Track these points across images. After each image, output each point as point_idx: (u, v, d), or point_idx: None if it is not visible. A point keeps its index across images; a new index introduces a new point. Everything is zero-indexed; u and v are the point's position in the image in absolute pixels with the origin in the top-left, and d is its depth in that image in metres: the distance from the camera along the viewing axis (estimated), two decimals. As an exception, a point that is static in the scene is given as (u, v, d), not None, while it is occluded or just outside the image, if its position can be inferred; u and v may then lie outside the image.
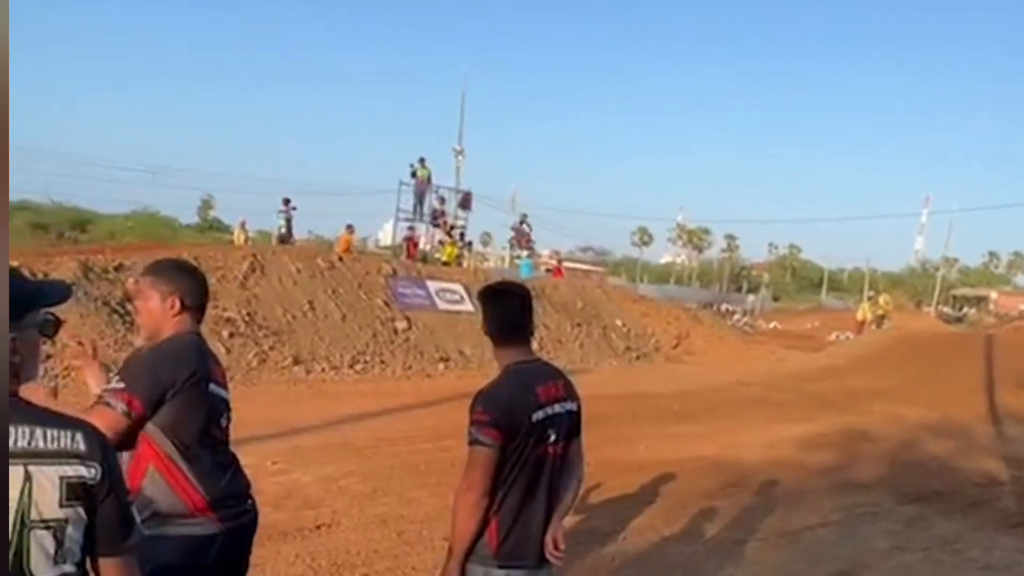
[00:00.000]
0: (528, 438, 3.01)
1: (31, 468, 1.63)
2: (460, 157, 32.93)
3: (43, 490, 1.63)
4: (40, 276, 13.01)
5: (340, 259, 18.42)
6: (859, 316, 28.15)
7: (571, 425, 3.20)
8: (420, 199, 26.62)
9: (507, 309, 3.17)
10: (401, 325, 16.95)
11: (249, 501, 3.09)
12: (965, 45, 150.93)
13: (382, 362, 15.60)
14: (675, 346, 22.41)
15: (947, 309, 49.72)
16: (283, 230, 24.71)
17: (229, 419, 3.07)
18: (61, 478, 1.65)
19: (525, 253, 28.52)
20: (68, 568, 1.68)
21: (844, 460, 10.37)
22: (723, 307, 41.18)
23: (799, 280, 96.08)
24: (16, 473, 1.61)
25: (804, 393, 15.16)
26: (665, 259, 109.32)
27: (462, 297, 19.09)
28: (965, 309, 48.46)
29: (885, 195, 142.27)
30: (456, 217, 27.98)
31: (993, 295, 76.10)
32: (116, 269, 14.36)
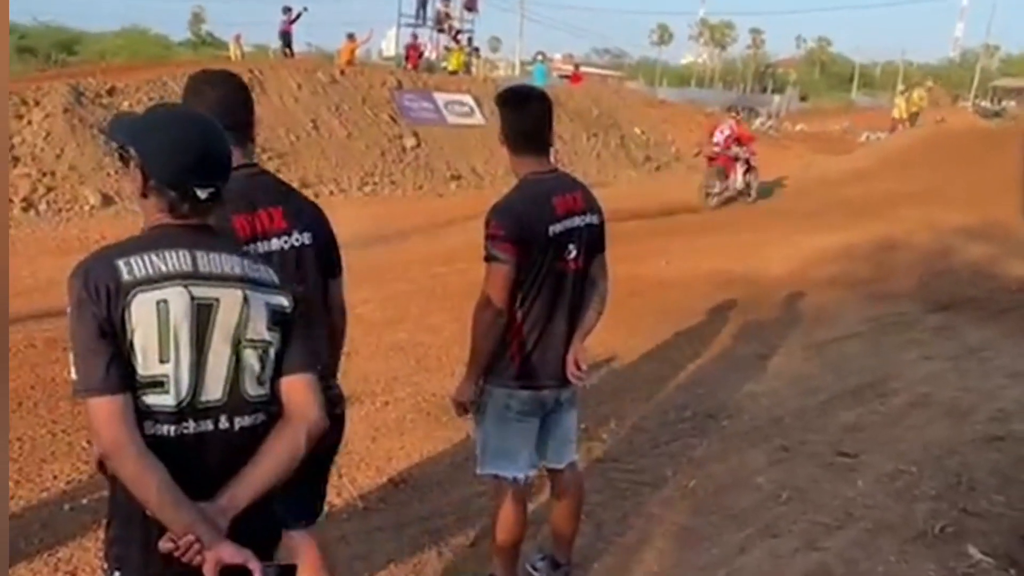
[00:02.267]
0: (545, 252, 2.92)
1: (247, 292, 1.76)
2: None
3: (257, 313, 1.77)
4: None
5: (342, 73, 17.54)
6: (895, 114, 26.68)
7: (592, 239, 3.08)
8: (424, 2, 25.21)
9: (526, 115, 3.01)
10: (409, 142, 16.33)
11: None
12: None
13: (392, 182, 15.19)
14: (696, 154, 21.63)
15: (985, 103, 47.73)
16: (284, 46, 23.24)
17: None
18: (266, 304, 1.80)
19: (539, 58, 27.26)
20: (265, 391, 1.81)
21: (873, 270, 10.03)
22: (747, 109, 39.95)
23: (828, 77, 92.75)
24: (235, 296, 1.74)
25: (832, 200, 14.59)
26: (686, 59, 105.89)
27: (472, 109, 18.27)
28: (1004, 102, 46.55)
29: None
30: (462, 20, 26.53)
31: (1037, 85, 72.81)
32: (109, 93, 13.79)
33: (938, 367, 6.82)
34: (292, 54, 22.79)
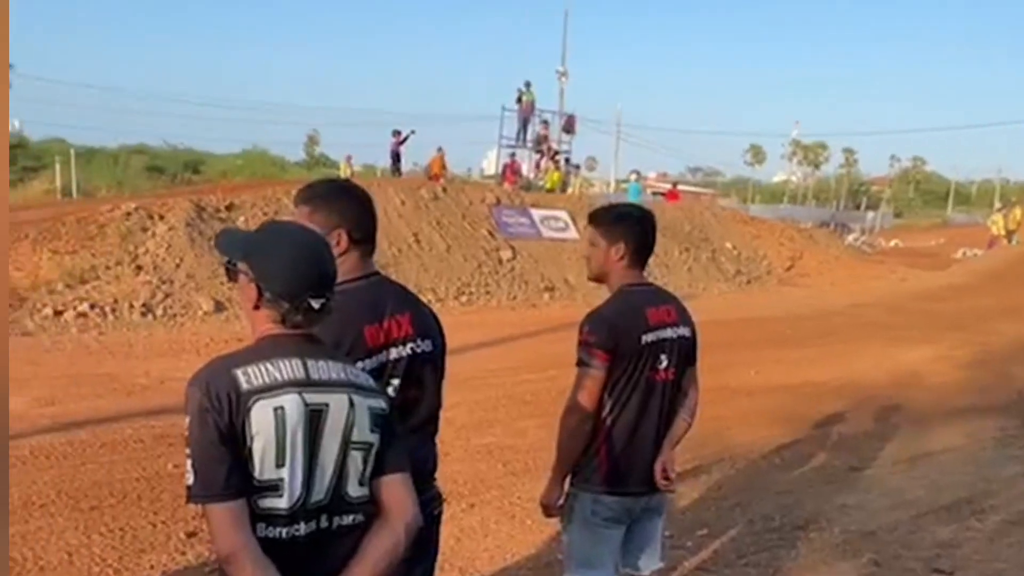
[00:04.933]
0: (637, 361, 2.96)
1: (353, 396, 1.84)
2: (564, 79, 32.31)
3: (361, 416, 1.85)
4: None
5: (444, 190, 18.42)
6: (993, 230, 26.18)
7: (684, 351, 3.13)
8: (524, 125, 26.14)
9: (642, 232, 3.12)
10: (506, 255, 16.92)
11: None
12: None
13: (487, 292, 15.64)
14: (788, 268, 21.68)
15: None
16: (393, 165, 24.48)
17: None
18: (369, 407, 1.87)
19: (633, 176, 27.88)
20: (365, 491, 1.88)
21: (969, 384, 9.85)
22: (840, 226, 39.68)
23: (923, 195, 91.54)
24: (342, 400, 1.82)
25: (927, 314, 14.45)
26: (778, 177, 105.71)
27: (567, 224, 18.87)
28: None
29: (1018, 97, 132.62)
30: (560, 142, 27.42)
31: None
32: (227, 208, 14.76)
33: (1037, 484, 6.66)
34: (400, 173, 24.07)
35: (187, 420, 1.72)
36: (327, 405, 1.79)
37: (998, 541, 5.39)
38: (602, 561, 3.11)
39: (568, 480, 3.13)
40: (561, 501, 3.15)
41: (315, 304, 1.83)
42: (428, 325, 2.51)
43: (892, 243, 33.22)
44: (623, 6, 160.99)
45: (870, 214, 50.37)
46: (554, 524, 3.44)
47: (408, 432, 2.29)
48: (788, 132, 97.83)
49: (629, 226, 3.11)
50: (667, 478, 3.09)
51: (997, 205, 27.17)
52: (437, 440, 2.63)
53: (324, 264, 1.88)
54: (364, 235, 2.43)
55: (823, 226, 35.93)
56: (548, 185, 24.87)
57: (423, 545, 2.44)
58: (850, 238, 32.10)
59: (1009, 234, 25.74)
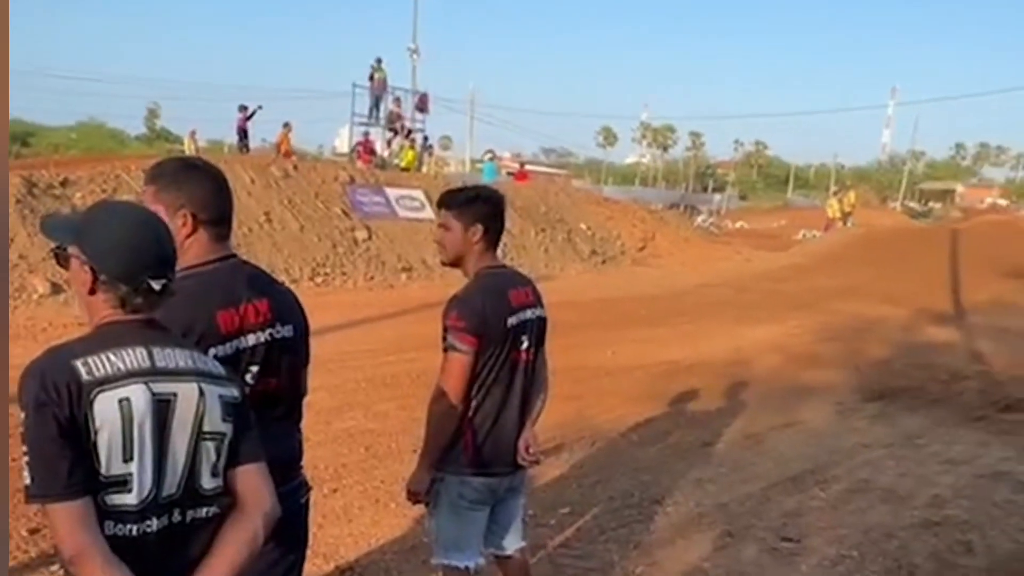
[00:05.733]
0: (502, 344, 3.02)
1: (203, 385, 1.76)
2: (415, 56, 31.91)
3: (212, 405, 1.77)
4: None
5: (295, 168, 17.82)
6: (829, 213, 27.70)
7: (540, 332, 3.22)
8: (377, 102, 25.73)
9: (492, 213, 3.12)
10: (361, 235, 16.54)
11: None
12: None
13: (343, 273, 15.28)
14: (641, 249, 22.20)
15: (913, 204, 50.09)
16: (240, 142, 23.64)
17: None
18: (220, 396, 1.79)
19: (488, 156, 27.89)
20: (219, 483, 1.80)
21: (810, 360, 10.36)
22: (689, 207, 41.07)
23: (765, 178, 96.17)
24: (191, 389, 1.74)
25: (771, 294, 15.11)
26: (630, 159, 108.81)
27: (423, 204, 18.60)
28: (931, 204, 48.84)
29: (853, 86, 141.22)
30: (413, 120, 27.15)
31: (959, 188, 76.93)
32: (62, 184, 13.79)
33: (876, 454, 7.00)
34: (248, 150, 23.17)
35: (22, 415, 1.60)
36: (175, 395, 1.72)
37: (840, 508, 5.71)
38: (469, 543, 3.16)
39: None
40: (429, 487, 3.13)
41: (155, 285, 1.74)
42: (288, 310, 2.41)
43: (738, 224, 34.64)
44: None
45: (717, 196, 52.53)
46: (418, 507, 3.39)
47: (271, 421, 2.23)
48: (638, 115, 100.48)
49: (483, 208, 3.10)
50: (530, 454, 3.14)
51: (833, 189, 28.66)
52: (302, 427, 2.56)
53: (162, 242, 1.79)
54: (213, 216, 2.28)
55: (673, 208, 37.12)
56: (403, 164, 24.53)
57: (293, 535, 2.45)
58: (699, 219, 33.30)
59: (844, 216, 27.28)
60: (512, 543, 3.37)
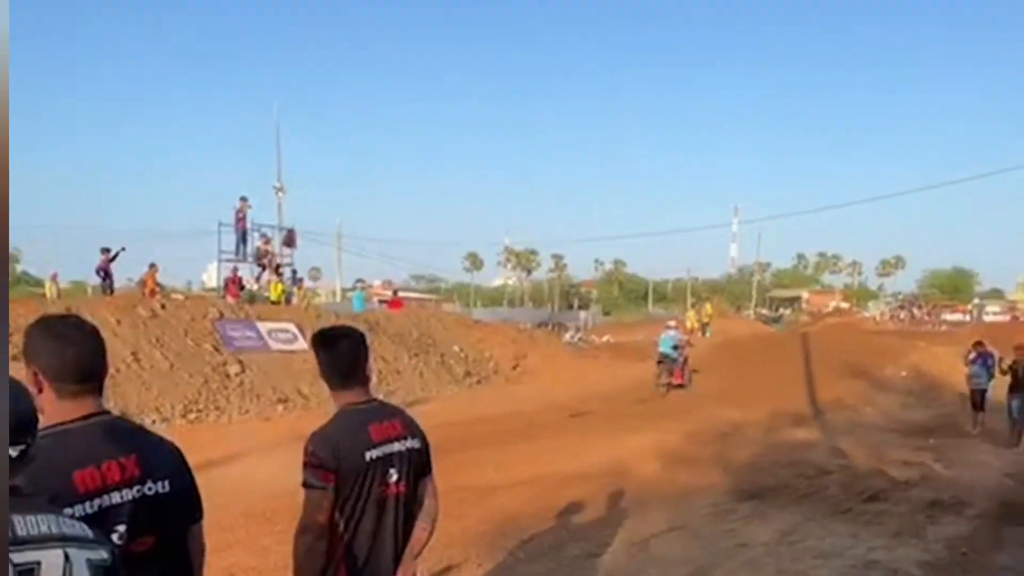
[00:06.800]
0: (364, 478, 2.98)
1: (68, 550, 1.68)
2: (281, 194, 32.38)
3: (79, 570, 1.69)
4: None
5: (163, 306, 17.58)
6: (688, 324, 29.02)
7: (415, 462, 3.17)
8: (243, 238, 25.69)
9: (341, 352, 3.11)
10: (233, 369, 16.34)
11: None
12: (760, 60, 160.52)
13: (216, 408, 14.98)
14: (514, 367, 22.67)
15: (765, 311, 52.89)
16: (103, 283, 23.01)
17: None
18: (87, 560, 1.72)
19: (359, 286, 28.12)
20: None
21: (683, 465, 10.69)
22: (556, 325, 42.04)
23: (626, 293, 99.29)
24: (57, 555, 1.66)
25: (640, 404, 15.58)
26: (497, 282, 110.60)
27: (295, 335, 18.61)
28: (781, 310, 51.65)
29: (701, 205, 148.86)
30: (281, 255, 27.26)
31: (805, 295, 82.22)
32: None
33: (754, 553, 7.25)
34: (112, 290, 22.61)
35: None
36: (39, 563, 1.64)
37: None
38: None
39: None
40: None
41: (12, 452, 1.68)
42: (163, 465, 2.31)
43: (604, 338, 35.50)
44: (333, 129, 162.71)
45: (582, 313, 53.85)
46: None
47: None
48: (501, 240, 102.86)
49: (323, 352, 3.13)
50: None
51: (691, 301, 30.10)
52: None
53: (21, 408, 1.73)
54: (59, 373, 2.19)
55: (542, 326, 38.01)
56: (273, 297, 24.48)
57: None
58: (567, 336, 34.08)
59: (703, 327, 28.64)
60: None
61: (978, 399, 14.94)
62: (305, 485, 2.92)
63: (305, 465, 2.92)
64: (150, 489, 2.23)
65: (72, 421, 2.18)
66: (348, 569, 2.99)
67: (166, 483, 2.28)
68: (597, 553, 7.17)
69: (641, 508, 8.65)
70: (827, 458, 11.24)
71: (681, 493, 9.33)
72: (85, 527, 1.79)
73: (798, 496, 9.31)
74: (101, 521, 2.05)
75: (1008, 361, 14.19)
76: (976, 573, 6.80)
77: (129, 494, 2.17)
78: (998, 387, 14.51)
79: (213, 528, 7.53)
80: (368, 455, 2.99)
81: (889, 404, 16.84)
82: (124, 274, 28.81)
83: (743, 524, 8.21)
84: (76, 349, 2.23)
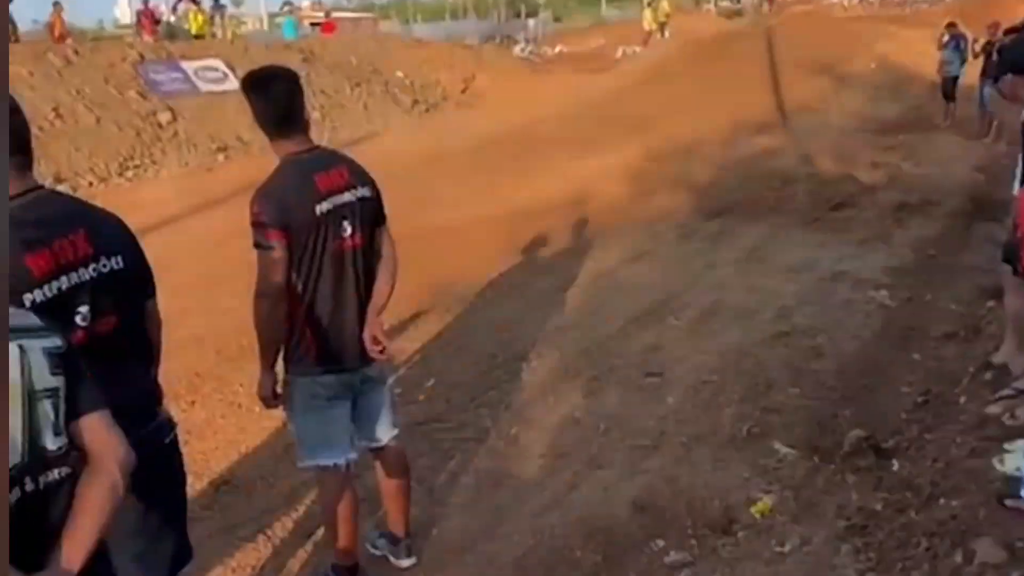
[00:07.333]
0: (317, 233, 2.86)
1: (21, 341, 1.60)
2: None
3: (36, 360, 1.61)
4: None
5: (76, 52, 16.09)
6: (645, 26, 27.50)
7: (367, 212, 3.03)
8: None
9: (274, 97, 2.89)
10: (165, 117, 15.21)
11: None
12: None
13: (154, 163, 14.17)
14: (464, 91, 21.59)
15: (725, 2, 50.63)
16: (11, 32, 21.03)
17: None
18: (43, 348, 1.64)
19: (286, 9, 26.20)
20: (64, 441, 1.65)
21: (648, 186, 10.46)
22: (505, 37, 40.20)
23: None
24: (12, 349, 1.57)
25: (601, 121, 14.94)
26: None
27: (225, 74, 17.17)
28: (743, 1, 49.42)
29: None
30: (199, -22, 24.97)
31: (767, -19, 78.40)
32: None
33: (722, 273, 7.22)
34: (17, 37, 20.69)
35: None
36: None
37: (696, 334, 5.88)
38: (337, 439, 3.09)
39: (283, 368, 3.06)
40: (280, 389, 3.08)
41: None
42: (113, 240, 2.18)
43: (557, 49, 33.98)
44: None
45: (531, 22, 51.37)
46: (279, 410, 3.29)
47: (116, 363, 2.10)
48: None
49: (254, 97, 2.92)
50: (379, 344, 3.02)
51: (647, 0, 28.34)
52: (154, 368, 2.47)
53: None
54: (20, 146, 2.00)
55: (489, 40, 36.15)
56: (193, 30, 22.69)
57: (164, 476, 2.37)
58: (516, 49, 32.55)
59: (661, 27, 27.25)
60: (384, 433, 3.30)
61: (949, 88, 14.54)
62: (256, 246, 2.81)
63: (253, 225, 2.80)
64: (104, 266, 2.10)
65: (13, 197, 1.95)
66: (314, 332, 2.95)
67: (119, 258, 2.15)
68: (564, 287, 7.11)
69: (606, 237, 8.59)
70: (794, 166, 11.05)
71: (646, 217, 9.22)
72: (33, 316, 1.71)
73: (765, 209, 9.28)
74: (64, 304, 1.98)
75: (982, 41, 13.71)
76: (942, 274, 6.75)
77: (86, 274, 2.04)
78: (969, 72, 14.10)
79: (170, 295, 7.29)
80: (318, 208, 2.85)
81: (857, 100, 16.42)
82: (27, 15, 26.57)
83: (710, 244, 8.19)
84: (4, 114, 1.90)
